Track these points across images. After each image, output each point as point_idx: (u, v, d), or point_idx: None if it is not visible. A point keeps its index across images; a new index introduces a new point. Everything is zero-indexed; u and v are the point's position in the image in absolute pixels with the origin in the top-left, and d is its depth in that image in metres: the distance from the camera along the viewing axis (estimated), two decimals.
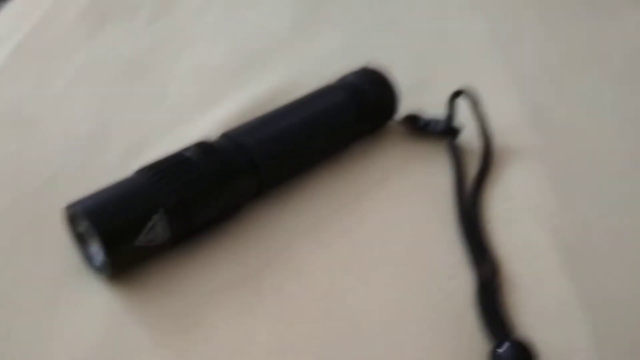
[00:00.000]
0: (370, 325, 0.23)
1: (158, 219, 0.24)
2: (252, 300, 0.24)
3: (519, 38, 0.40)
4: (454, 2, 0.44)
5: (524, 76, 0.36)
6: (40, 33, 0.41)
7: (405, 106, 0.32)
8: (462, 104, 0.31)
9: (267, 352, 0.22)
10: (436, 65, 0.38)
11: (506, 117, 0.32)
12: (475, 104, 0.30)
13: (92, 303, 0.24)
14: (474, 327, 0.23)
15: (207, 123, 0.33)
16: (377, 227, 0.27)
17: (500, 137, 0.31)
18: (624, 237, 0.26)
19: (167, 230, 0.24)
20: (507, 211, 0.28)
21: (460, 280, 0.25)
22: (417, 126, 0.32)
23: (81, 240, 0.25)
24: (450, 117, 0.31)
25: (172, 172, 0.25)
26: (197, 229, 0.26)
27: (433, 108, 0.32)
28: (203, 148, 0.26)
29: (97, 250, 0.24)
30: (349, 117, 0.30)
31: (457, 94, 0.31)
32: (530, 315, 0.23)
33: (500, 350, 0.21)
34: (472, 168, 0.30)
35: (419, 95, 0.33)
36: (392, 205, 0.28)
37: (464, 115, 0.31)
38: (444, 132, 0.31)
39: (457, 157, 0.30)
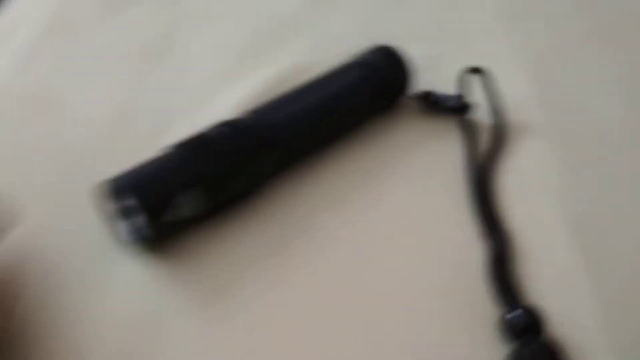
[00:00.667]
0: (388, 293, 0.24)
1: (195, 193, 0.25)
2: (279, 272, 0.25)
3: (528, 15, 0.40)
4: None
5: (533, 53, 0.37)
6: (61, 16, 0.42)
7: (417, 83, 0.33)
8: (473, 82, 0.32)
9: (297, 320, 0.24)
10: (446, 43, 0.38)
11: (515, 93, 0.32)
12: (487, 81, 0.31)
13: (127, 275, 0.25)
14: (485, 295, 0.24)
15: (227, 101, 0.34)
16: (394, 201, 0.28)
17: (510, 113, 0.31)
18: (630, 211, 0.27)
19: (202, 203, 0.26)
20: (517, 185, 0.29)
21: (473, 251, 0.26)
22: (430, 102, 0.33)
23: (118, 215, 0.26)
24: (461, 94, 0.32)
25: (206, 148, 0.26)
26: (226, 202, 0.27)
27: (444, 85, 0.32)
28: (231, 125, 0.28)
29: (136, 224, 0.25)
30: (365, 94, 0.31)
31: (469, 70, 0.31)
32: (539, 284, 0.24)
33: (510, 316, 0.23)
34: (484, 144, 0.31)
35: (429, 72, 0.34)
36: (407, 180, 0.29)
37: (475, 93, 0.32)
38: (456, 108, 0.32)
39: (469, 132, 0.31)
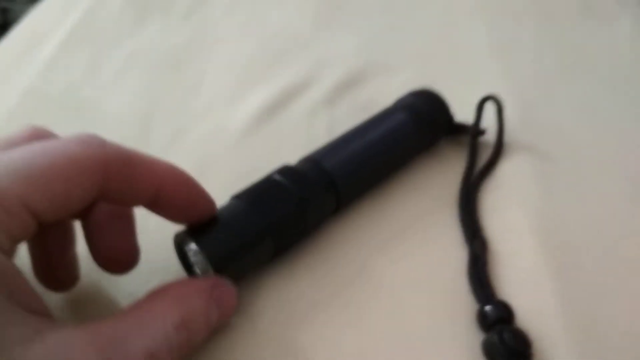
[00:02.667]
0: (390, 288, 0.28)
1: (264, 243, 0.26)
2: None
3: (516, 44, 0.43)
4: (458, 11, 0.47)
5: (518, 78, 0.40)
6: (91, 25, 0.46)
7: None
8: (469, 104, 0.35)
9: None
10: (439, 67, 0.42)
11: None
12: (500, 110, 0.34)
13: None
14: (466, 291, 0.28)
15: (239, 111, 0.38)
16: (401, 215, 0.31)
17: (492, 132, 0.34)
18: (595, 224, 0.31)
19: (269, 251, 0.26)
20: (497, 198, 0.32)
21: (457, 254, 0.30)
22: (453, 130, 0.35)
23: (185, 255, 0.26)
24: (478, 120, 0.35)
25: (270, 197, 0.27)
26: (287, 248, 0.28)
27: None
28: (289, 172, 0.28)
29: (203, 269, 0.25)
30: (412, 136, 0.32)
31: (485, 99, 0.34)
32: (510, 285, 0.28)
33: (486, 309, 0.26)
34: (481, 161, 0.34)
35: None
36: (413, 197, 0.32)
37: (467, 113, 0.35)
38: (473, 133, 0.34)
39: (474, 152, 0.34)
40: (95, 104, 0.39)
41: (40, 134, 0.23)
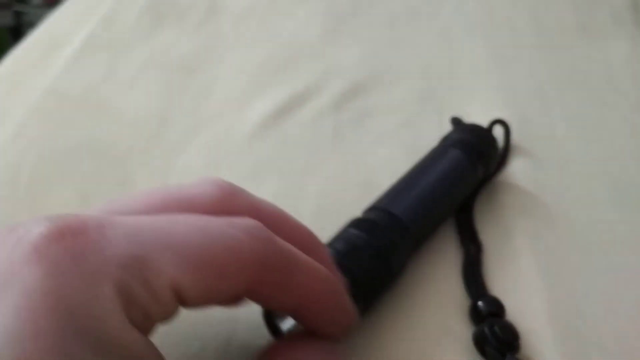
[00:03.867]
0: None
1: (357, 305, 0.25)
2: None
3: (513, 59, 0.45)
4: (458, 27, 0.49)
5: (514, 93, 0.42)
6: (106, 29, 0.48)
7: None
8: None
9: None
10: (439, 79, 0.44)
11: (495, 127, 0.37)
12: (507, 133, 0.36)
13: None
14: (460, 288, 0.30)
15: (249, 115, 0.40)
16: None
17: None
18: (582, 227, 0.32)
19: (360, 308, 0.25)
20: (492, 205, 0.34)
21: (453, 255, 0.31)
22: None
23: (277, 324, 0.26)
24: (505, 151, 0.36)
25: (355, 254, 0.26)
26: (374, 298, 0.28)
27: (435, 116, 0.38)
28: (365, 224, 0.28)
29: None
30: (470, 171, 0.33)
31: (495, 122, 0.36)
32: (501, 284, 0.30)
33: (479, 303, 0.28)
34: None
35: (421, 106, 0.40)
36: None
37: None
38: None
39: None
40: (112, 104, 0.41)
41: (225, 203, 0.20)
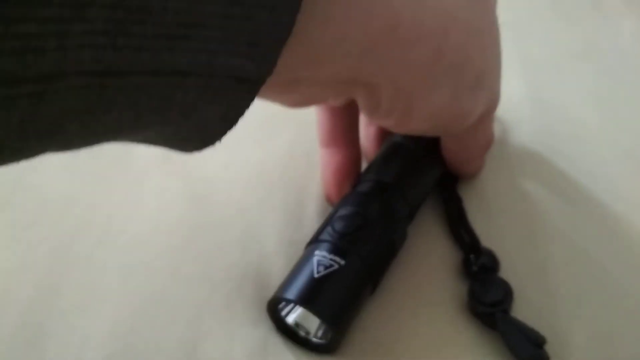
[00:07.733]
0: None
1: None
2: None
3: (529, 31, 0.45)
4: None
5: (531, 62, 0.41)
6: None
7: None
8: None
9: None
10: None
11: (510, 94, 0.36)
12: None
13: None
14: (449, 244, 0.29)
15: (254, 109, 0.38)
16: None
17: (503, 109, 0.34)
18: (592, 193, 0.32)
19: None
20: (504, 171, 0.33)
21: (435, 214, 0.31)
22: None
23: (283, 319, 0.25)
24: None
25: (361, 235, 0.25)
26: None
27: None
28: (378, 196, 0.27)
29: (314, 330, 0.25)
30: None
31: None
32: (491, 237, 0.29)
33: (472, 257, 0.27)
34: None
35: None
36: None
37: None
38: None
39: None
40: None
41: None
